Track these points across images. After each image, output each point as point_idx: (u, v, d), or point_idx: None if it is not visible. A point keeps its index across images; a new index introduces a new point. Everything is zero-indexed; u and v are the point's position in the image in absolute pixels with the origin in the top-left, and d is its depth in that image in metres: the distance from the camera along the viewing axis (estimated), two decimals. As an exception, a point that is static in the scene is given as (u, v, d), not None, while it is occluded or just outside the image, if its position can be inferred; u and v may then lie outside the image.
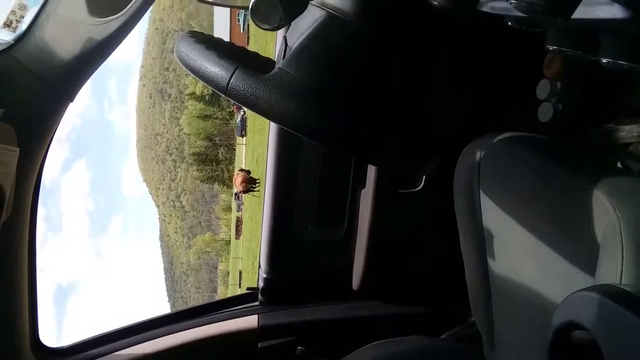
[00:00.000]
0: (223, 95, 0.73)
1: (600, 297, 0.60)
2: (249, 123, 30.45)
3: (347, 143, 0.74)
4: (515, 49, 1.33)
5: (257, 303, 1.58)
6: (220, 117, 57.53)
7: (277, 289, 1.56)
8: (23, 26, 1.02)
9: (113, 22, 1.03)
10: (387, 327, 1.54)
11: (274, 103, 0.70)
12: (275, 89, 0.70)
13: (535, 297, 0.99)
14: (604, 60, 0.67)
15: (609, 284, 0.68)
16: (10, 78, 1.00)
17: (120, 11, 1.03)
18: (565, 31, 0.74)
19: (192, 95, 59.48)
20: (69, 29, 1.04)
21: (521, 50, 1.32)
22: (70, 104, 1.09)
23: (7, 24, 1.02)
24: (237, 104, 0.73)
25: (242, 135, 33.60)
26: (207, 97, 57.15)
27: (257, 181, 19.28)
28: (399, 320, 1.57)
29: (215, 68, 0.73)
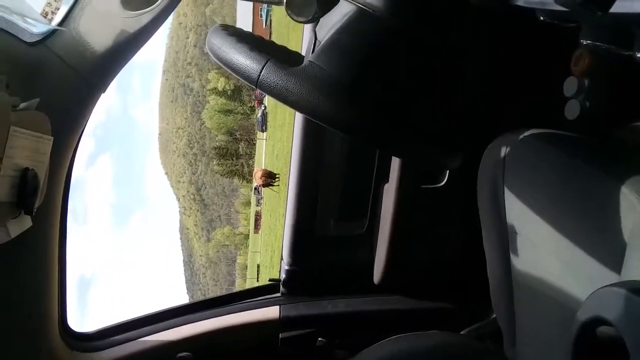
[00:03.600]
0: (254, 87, 0.75)
1: (627, 293, 0.60)
2: (269, 118, 30.55)
3: (375, 136, 0.75)
4: (543, 46, 1.32)
5: (278, 294, 1.59)
6: (242, 111, 57.84)
7: (299, 281, 1.58)
8: (58, 17, 1.04)
9: (145, 15, 1.05)
10: (408, 321, 1.55)
11: (304, 95, 0.71)
12: (306, 82, 0.71)
13: (559, 294, 0.99)
14: (639, 55, 0.67)
15: (636, 280, 0.67)
16: (46, 68, 1.02)
17: (152, 4, 1.05)
18: (600, 26, 0.74)
19: (214, 90, 59.90)
20: (102, 21, 1.06)
21: (549, 47, 1.31)
22: (102, 94, 1.12)
23: (43, 15, 1.05)
24: (268, 95, 0.74)
25: (262, 130, 33.73)
26: (229, 92, 57.48)
27: (277, 176, 19.38)
28: (420, 315, 1.57)
29: (246, 60, 0.74)
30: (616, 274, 0.83)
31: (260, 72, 0.73)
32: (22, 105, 0.94)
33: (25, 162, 0.94)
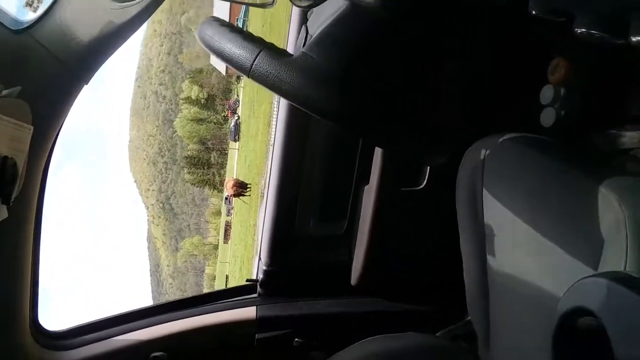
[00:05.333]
0: (246, 77, 0.75)
1: (609, 282, 0.62)
2: (242, 128, 30.46)
3: (364, 126, 0.77)
4: (521, 55, 1.36)
5: (255, 295, 1.59)
6: (215, 121, 57.49)
7: (276, 282, 1.57)
8: (43, 6, 1.03)
9: (133, 7, 1.04)
10: (384, 322, 1.55)
11: (296, 85, 0.72)
12: (299, 72, 0.73)
13: (536, 293, 1.01)
14: (634, 39, 0.69)
15: (617, 271, 0.69)
16: (29, 57, 1.00)
17: (140, -4, 1.05)
18: (596, 13, 0.76)
19: (188, 99, 59.45)
20: (89, 12, 1.05)
21: (527, 55, 1.35)
22: (85, 86, 1.11)
23: (28, 3, 1.03)
24: (260, 85, 0.75)
25: (235, 140, 33.59)
26: (202, 101, 57.15)
27: (249, 186, 19.33)
28: (396, 317, 1.58)
29: (239, 50, 0.75)
30: (594, 270, 0.86)
31: (254, 61, 0.74)
32: (3, 92, 0.92)
33: (4, 150, 0.92)
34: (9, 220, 0.98)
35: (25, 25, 1.00)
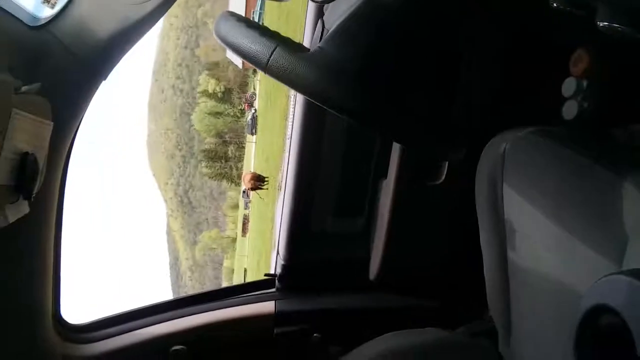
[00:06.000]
0: (262, 72, 0.75)
1: (632, 280, 0.60)
2: (259, 121, 30.55)
3: (381, 122, 0.76)
4: (542, 47, 1.33)
5: (274, 289, 1.59)
6: (232, 114, 57.81)
7: (294, 277, 1.58)
8: (60, 2, 1.03)
9: (148, 3, 1.04)
10: (403, 318, 1.55)
11: (312, 80, 0.72)
12: (315, 67, 0.72)
13: (558, 289, 0.99)
14: None
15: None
16: (47, 53, 1.01)
17: (156, -8, 1.05)
18: (618, 6, 0.74)
19: (205, 92, 59.87)
20: (105, 8, 1.05)
21: (548, 47, 1.33)
22: (103, 81, 1.11)
23: (46, 0, 1.04)
24: (276, 80, 0.75)
25: (252, 134, 33.71)
26: (219, 95, 57.49)
27: (266, 179, 19.39)
28: (415, 312, 1.58)
29: (256, 45, 0.75)
30: (617, 267, 0.84)
31: (270, 57, 0.73)
32: (23, 88, 0.93)
33: (25, 146, 0.93)
34: (30, 215, 0.98)
35: (43, 22, 1.00)
